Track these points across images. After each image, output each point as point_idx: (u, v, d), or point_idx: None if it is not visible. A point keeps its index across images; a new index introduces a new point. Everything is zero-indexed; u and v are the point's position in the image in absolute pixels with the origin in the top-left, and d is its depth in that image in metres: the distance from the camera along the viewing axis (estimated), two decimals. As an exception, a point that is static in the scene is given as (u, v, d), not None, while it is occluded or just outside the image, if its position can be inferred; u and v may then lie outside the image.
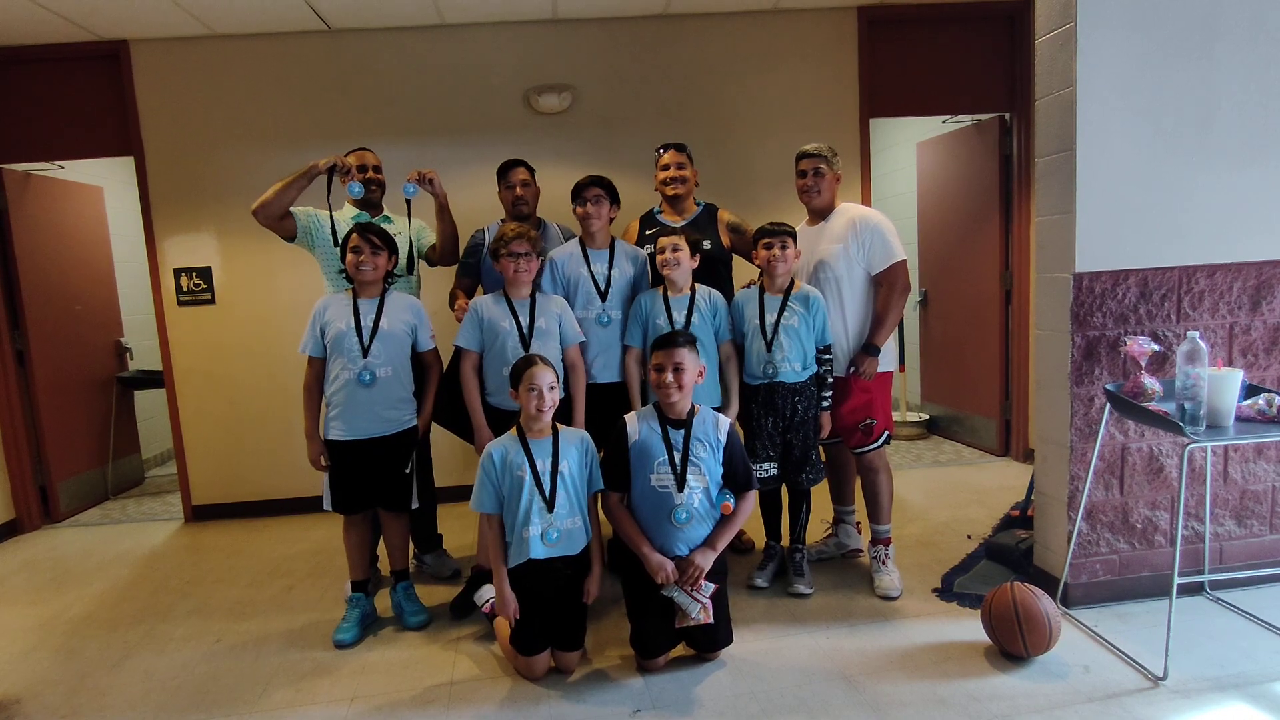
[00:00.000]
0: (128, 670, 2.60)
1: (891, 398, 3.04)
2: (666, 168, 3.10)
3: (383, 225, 3.04)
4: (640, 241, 3.13)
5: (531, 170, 3.12)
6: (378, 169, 3.11)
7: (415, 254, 3.14)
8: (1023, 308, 4.40)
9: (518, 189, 3.05)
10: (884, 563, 2.90)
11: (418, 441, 2.79)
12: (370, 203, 3.09)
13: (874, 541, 2.95)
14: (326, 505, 2.73)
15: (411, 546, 3.22)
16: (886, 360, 2.91)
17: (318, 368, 2.70)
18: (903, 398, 5.37)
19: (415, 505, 2.81)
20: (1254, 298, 2.63)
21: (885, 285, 2.85)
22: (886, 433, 2.93)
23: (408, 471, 2.75)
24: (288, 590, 3.20)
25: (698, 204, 3.18)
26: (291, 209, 2.87)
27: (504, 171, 3.10)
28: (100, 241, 4.87)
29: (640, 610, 2.42)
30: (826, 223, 2.95)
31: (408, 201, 3.03)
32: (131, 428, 5.05)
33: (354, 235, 2.65)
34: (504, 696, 2.32)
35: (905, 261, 2.85)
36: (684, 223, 3.09)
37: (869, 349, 2.86)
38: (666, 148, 3.13)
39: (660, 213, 3.18)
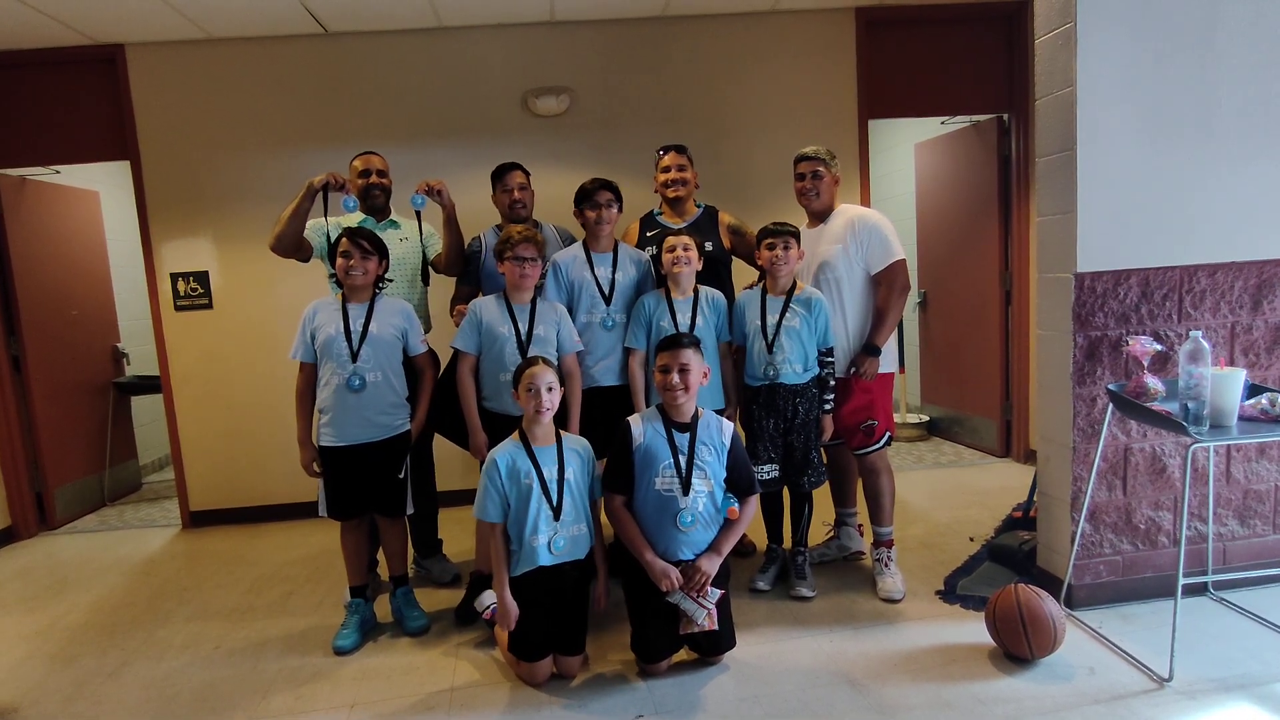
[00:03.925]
0: (125, 678, 2.58)
1: (892, 399, 3.03)
2: (667, 169, 3.09)
3: (389, 231, 3.04)
4: (641, 243, 3.12)
5: (527, 173, 3.11)
6: (383, 173, 3.08)
7: (426, 262, 3.13)
8: (1022, 308, 4.40)
9: (515, 192, 3.04)
10: (887, 565, 2.89)
11: (411, 446, 2.77)
12: (375, 208, 3.07)
13: (876, 544, 2.94)
14: (322, 511, 2.71)
15: (412, 551, 3.21)
16: (887, 361, 2.90)
17: (309, 373, 2.68)
18: (903, 399, 5.36)
19: (410, 511, 2.79)
20: (1255, 297, 2.63)
21: (885, 284, 2.85)
22: (888, 434, 2.92)
23: (401, 477, 2.73)
24: (286, 596, 3.18)
25: (698, 206, 3.17)
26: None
27: (500, 175, 3.09)
28: (96, 246, 4.84)
29: (642, 614, 2.41)
30: (826, 224, 2.94)
31: (417, 212, 3.02)
32: (128, 433, 5.03)
33: (344, 239, 2.62)
34: (505, 702, 2.30)
35: (904, 260, 2.84)
36: (685, 224, 3.08)
37: (870, 349, 2.85)
38: (667, 149, 3.13)
39: (660, 214, 3.18)
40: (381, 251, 2.68)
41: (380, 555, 3.05)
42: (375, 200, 3.05)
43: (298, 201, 2.81)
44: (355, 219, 3.02)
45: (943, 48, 4.28)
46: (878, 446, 2.90)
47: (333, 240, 2.73)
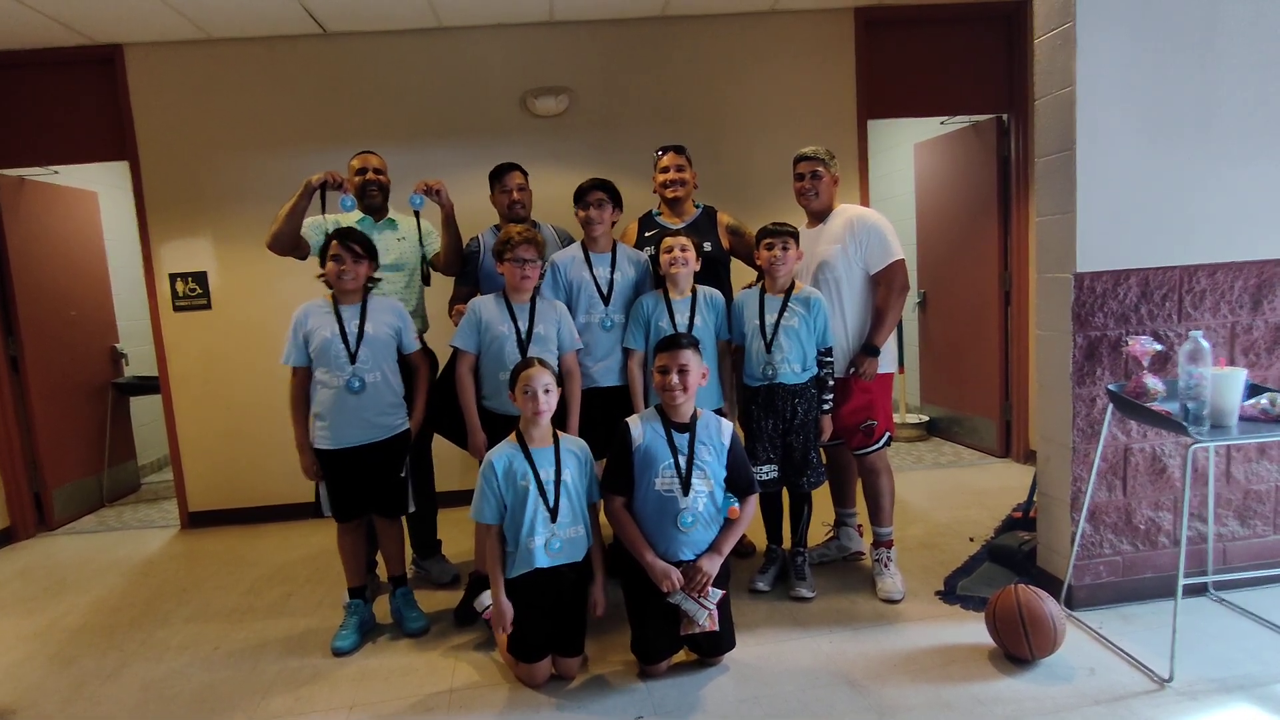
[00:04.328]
0: (124, 679, 2.57)
1: (892, 399, 3.02)
2: (666, 170, 3.09)
3: (387, 231, 3.04)
4: (639, 244, 3.11)
5: (525, 173, 3.10)
6: (380, 171, 3.07)
7: (424, 261, 3.12)
8: (1022, 308, 4.39)
9: (514, 193, 3.04)
10: (886, 565, 2.88)
11: (411, 445, 2.77)
12: (373, 206, 3.05)
13: (876, 544, 2.94)
14: (326, 511, 2.70)
15: (411, 552, 3.21)
16: (886, 361, 2.90)
17: (302, 377, 2.66)
18: (902, 399, 5.36)
19: (411, 509, 2.79)
20: (1255, 297, 2.62)
21: (884, 285, 2.84)
22: (887, 434, 2.92)
23: (403, 475, 2.73)
24: (286, 597, 3.17)
25: (697, 206, 3.16)
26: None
27: (499, 175, 3.08)
28: (95, 247, 4.84)
29: (641, 615, 2.40)
30: (825, 224, 2.94)
31: (416, 213, 3.01)
32: (127, 434, 5.02)
33: (334, 243, 2.59)
34: (504, 703, 2.30)
35: (903, 260, 2.84)
36: (683, 225, 3.07)
37: (869, 349, 2.84)
38: (666, 150, 3.12)
39: (659, 214, 3.17)
40: (371, 253, 2.66)
41: (379, 556, 3.04)
42: (373, 199, 3.04)
43: (295, 200, 2.80)
44: (353, 218, 3.02)
45: (942, 48, 4.28)
46: (877, 447, 2.90)
47: (326, 241, 2.68)
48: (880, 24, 4.19)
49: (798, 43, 4.15)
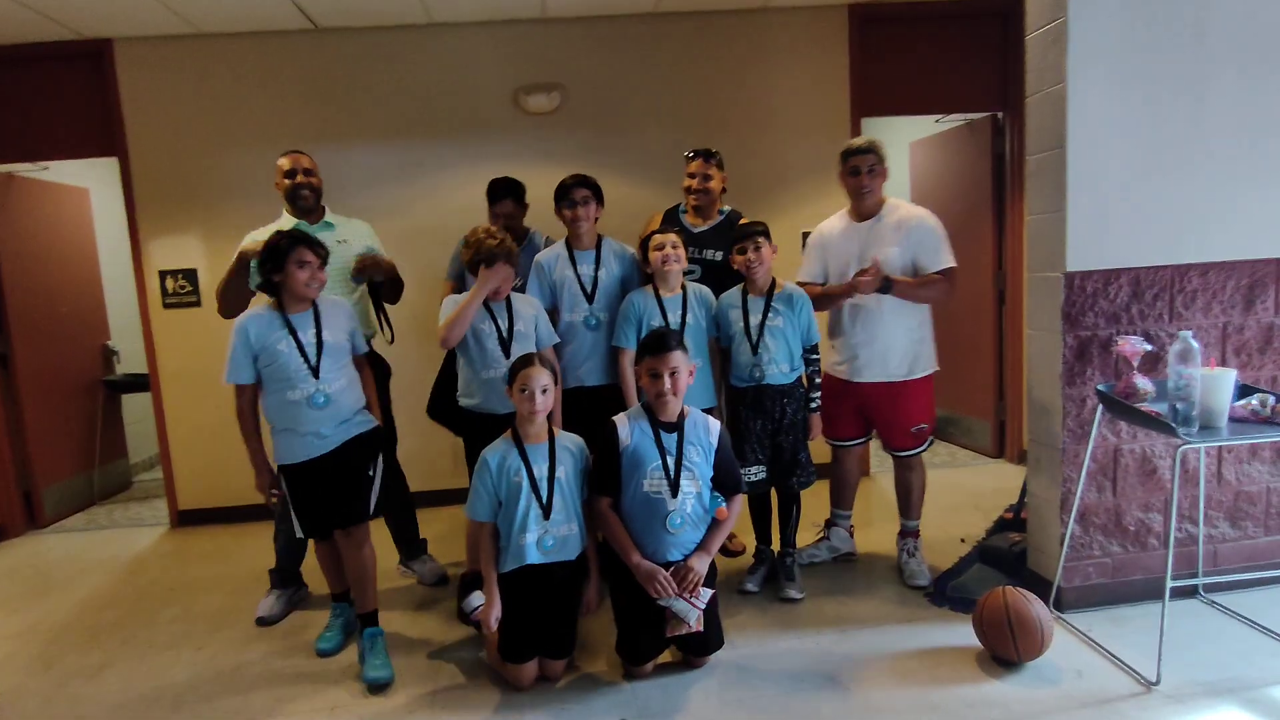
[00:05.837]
0: (107, 679, 2.56)
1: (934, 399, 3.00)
2: (693, 175, 3.12)
3: (324, 232, 2.89)
4: None
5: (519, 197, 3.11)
6: (310, 172, 2.95)
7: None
8: (1016, 308, 4.37)
9: (504, 220, 3.01)
10: (913, 554, 2.95)
11: (383, 443, 2.64)
12: (305, 209, 2.94)
13: (904, 534, 2.99)
14: (299, 533, 2.58)
15: (397, 554, 3.19)
16: (928, 360, 2.88)
17: (250, 394, 2.48)
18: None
19: (371, 515, 2.59)
20: (1247, 297, 2.60)
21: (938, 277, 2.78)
22: (931, 438, 2.96)
23: (370, 474, 2.57)
24: (272, 596, 3.15)
25: (721, 212, 3.18)
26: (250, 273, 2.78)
27: (495, 198, 3.05)
28: (86, 243, 4.82)
29: (628, 616, 2.38)
30: (878, 221, 2.85)
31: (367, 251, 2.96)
32: (118, 432, 5.00)
33: (300, 248, 2.40)
34: (490, 705, 2.28)
35: (956, 269, 2.79)
36: (705, 228, 3.13)
37: (886, 286, 2.70)
38: (695, 155, 3.14)
39: (684, 213, 3.20)
40: (327, 256, 2.53)
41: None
42: (305, 202, 2.93)
43: (231, 274, 2.83)
44: (291, 222, 2.88)
45: (936, 46, 4.24)
46: (922, 449, 2.93)
47: (278, 244, 2.43)
48: (874, 21, 4.16)
49: (791, 40, 4.13)
